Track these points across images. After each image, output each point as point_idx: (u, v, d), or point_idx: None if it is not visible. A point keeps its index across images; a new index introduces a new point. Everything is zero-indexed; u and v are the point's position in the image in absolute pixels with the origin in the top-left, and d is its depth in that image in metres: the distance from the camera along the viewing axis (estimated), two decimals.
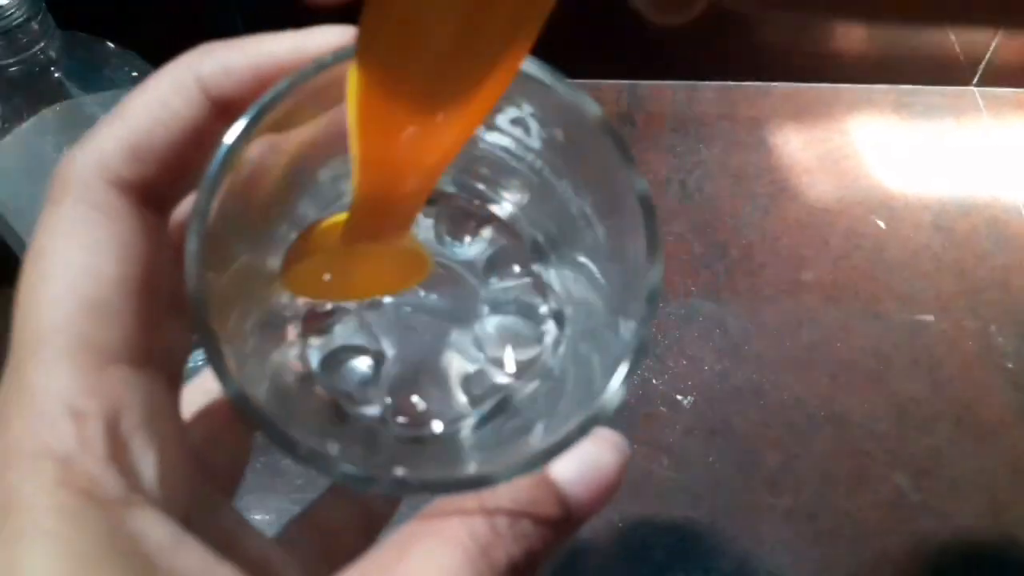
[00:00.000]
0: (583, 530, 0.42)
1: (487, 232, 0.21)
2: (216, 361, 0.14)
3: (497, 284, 0.21)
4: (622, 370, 0.15)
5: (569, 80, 0.17)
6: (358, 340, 0.20)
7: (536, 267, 0.21)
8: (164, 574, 0.13)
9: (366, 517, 0.20)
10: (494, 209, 0.21)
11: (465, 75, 0.14)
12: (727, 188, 0.54)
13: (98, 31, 0.38)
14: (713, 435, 0.43)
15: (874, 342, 0.46)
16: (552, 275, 0.21)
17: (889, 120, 0.57)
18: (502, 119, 0.18)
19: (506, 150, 0.19)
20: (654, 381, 0.45)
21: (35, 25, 0.34)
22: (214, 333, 0.14)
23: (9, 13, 0.33)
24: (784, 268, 0.49)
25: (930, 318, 0.47)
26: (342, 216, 0.18)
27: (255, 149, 0.15)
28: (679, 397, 0.44)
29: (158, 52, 0.40)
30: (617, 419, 0.14)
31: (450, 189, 0.21)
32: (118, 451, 0.13)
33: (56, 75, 0.35)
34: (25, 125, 0.35)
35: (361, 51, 0.14)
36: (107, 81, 0.37)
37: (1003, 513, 0.40)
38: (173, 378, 0.16)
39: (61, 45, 0.35)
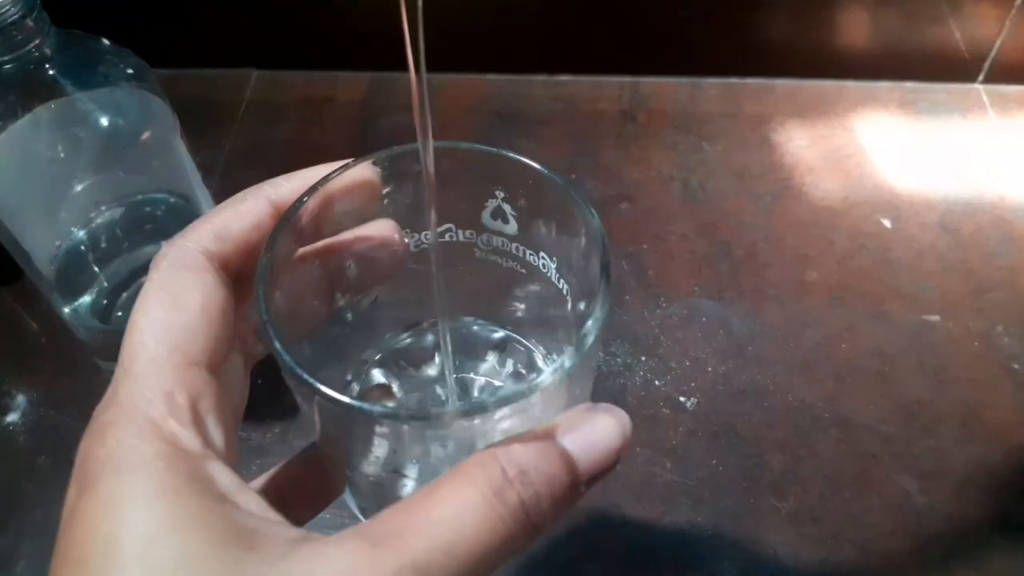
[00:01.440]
0: (584, 532, 0.41)
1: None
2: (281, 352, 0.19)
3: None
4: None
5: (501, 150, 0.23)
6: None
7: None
8: (231, 505, 0.17)
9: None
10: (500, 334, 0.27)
11: None
12: (730, 186, 0.53)
13: (93, 28, 0.37)
14: (716, 437, 0.42)
15: (879, 343, 0.46)
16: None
17: (894, 118, 0.57)
18: (486, 216, 0.24)
19: (496, 251, 0.25)
20: (656, 382, 0.44)
21: (30, 22, 0.33)
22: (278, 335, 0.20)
23: (4, 10, 0.32)
24: (788, 268, 0.49)
25: (936, 319, 0.47)
26: None
27: (298, 241, 0.23)
28: (682, 399, 0.44)
29: (153, 49, 0.40)
30: None
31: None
32: (197, 421, 0.18)
33: (51, 72, 0.35)
34: (20, 123, 0.35)
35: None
36: (102, 78, 0.36)
37: (1009, 515, 0.40)
38: (235, 397, 0.22)
39: (56, 42, 0.35)
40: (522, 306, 0.27)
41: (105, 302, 0.42)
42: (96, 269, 0.41)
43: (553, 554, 0.38)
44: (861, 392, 0.44)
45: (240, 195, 0.23)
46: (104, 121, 0.37)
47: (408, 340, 0.28)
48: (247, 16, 0.59)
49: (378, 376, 0.28)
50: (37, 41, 0.34)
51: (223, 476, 0.18)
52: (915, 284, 0.48)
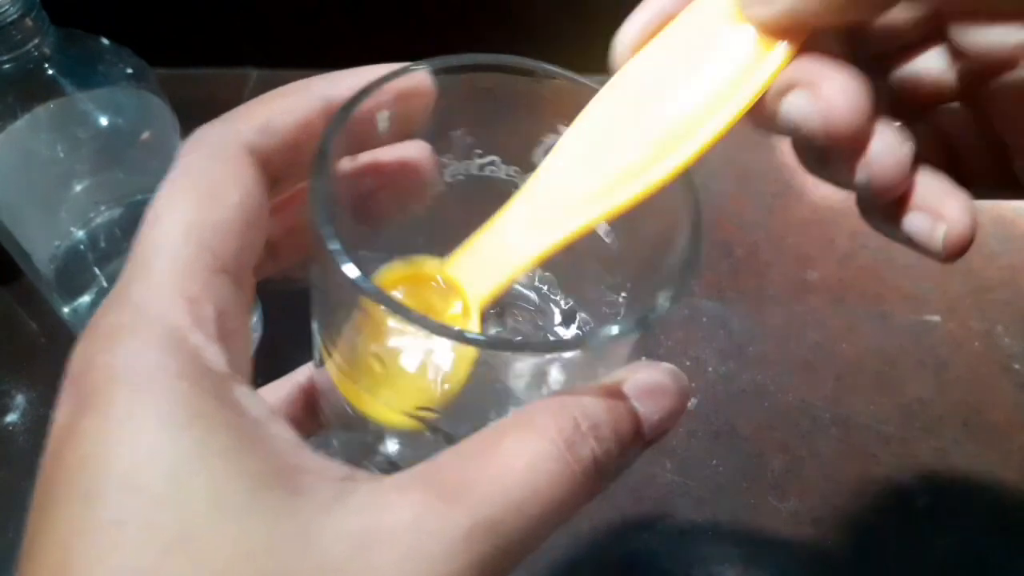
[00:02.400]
0: (585, 533, 0.41)
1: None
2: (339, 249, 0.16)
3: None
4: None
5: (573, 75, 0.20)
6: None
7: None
8: (267, 435, 0.15)
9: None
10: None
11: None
12: (732, 187, 0.53)
13: (93, 28, 0.37)
14: (717, 438, 0.42)
15: (880, 343, 0.46)
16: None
17: None
18: (538, 153, 0.21)
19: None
20: None
21: (29, 22, 0.33)
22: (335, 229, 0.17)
23: (3, 9, 0.32)
24: (789, 268, 0.49)
25: (937, 319, 0.47)
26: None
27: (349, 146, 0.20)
28: None
29: (153, 49, 0.40)
30: None
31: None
32: (224, 338, 0.16)
33: (50, 72, 0.35)
34: (19, 123, 0.35)
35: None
36: (101, 78, 0.36)
37: (1010, 515, 0.40)
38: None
39: (55, 42, 0.35)
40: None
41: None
42: (96, 269, 0.41)
43: (553, 554, 0.38)
44: (861, 392, 0.44)
45: (284, 88, 0.20)
46: (103, 121, 0.37)
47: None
48: (247, 16, 0.59)
49: None
50: (36, 40, 0.34)
51: (253, 402, 0.15)
52: (916, 284, 0.48)
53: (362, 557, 0.14)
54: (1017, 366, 0.45)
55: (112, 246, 0.41)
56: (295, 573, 0.13)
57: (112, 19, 0.41)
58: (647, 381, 0.17)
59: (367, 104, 0.19)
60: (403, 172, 0.21)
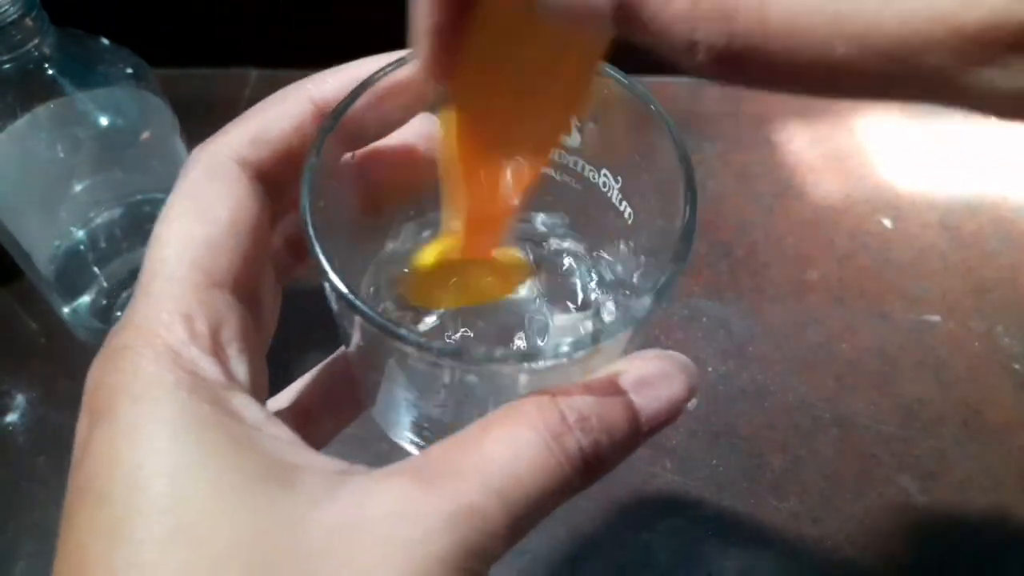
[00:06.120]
0: (586, 533, 0.41)
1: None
2: (325, 258, 0.17)
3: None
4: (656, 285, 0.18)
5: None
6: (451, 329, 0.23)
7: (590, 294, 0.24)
8: (263, 436, 0.16)
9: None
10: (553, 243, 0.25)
11: (536, 104, 0.19)
12: (731, 186, 0.53)
13: (93, 28, 0.37)
14: (717, 437, 0.42)
15: (880, 343, 0.46)
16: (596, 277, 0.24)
17: (894, 118, 0.57)
18: None
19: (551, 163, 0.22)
20: None
21: (29, 22, 0.33)
22: (321, 242, 0.18)
23: (3, 9, 0.32)
24: (789, 268, 0.49)
25: (936, 318, 0.47)
26: (443, 246, 0.21)
27: (347, 137, 0.20)
28: None
29: (153, 49, 0.40)
30: None
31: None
32: (218, 351, 0.17)
33: (50, 72, 0.35)
34: (19, 122, 0.35)
35: (458, 96, 0.18)
36: (101, 78, 0.36)
37: (1010, 515, 0.40)
38: (265, 324, 0.20)
39: (55, 42, 0.35)
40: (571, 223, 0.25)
41: (105, 302, 0.42)
42: (96, 269, 0.41)
43: (553, 554, 0.38)
44: (861, 392, 0.44)
45: (279, 94, 0.20)
46: (103, 121, 0.37)
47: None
48: (247, 16, 0.59)
49: None
50: (36, 41, 0.34)
51: (249, 408, 0.16)
52: (916, 284, 0.48)
53: (344, 545, 0.14)
54: (1017, 366, 0.45)
55: (112, 246, 0.41)
56: (283, 561, 0.14)
57: (112, 19, 0.41)
58: (644, 371, 0.18)
59: (360, 104, 0.20)
60: (406, 157, 0.22)
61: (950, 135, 0.55)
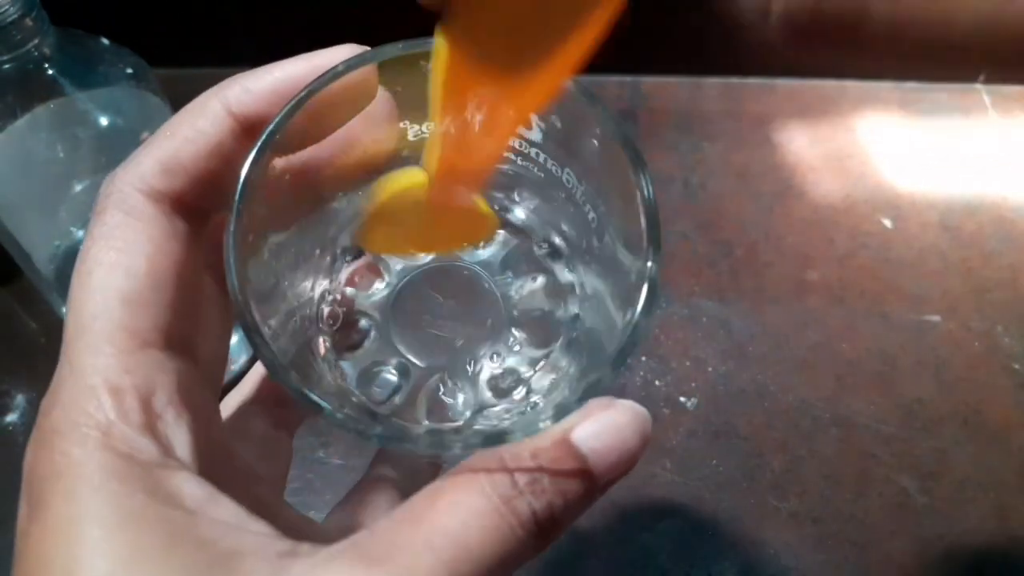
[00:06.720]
0: (585, 533, 0.41)
1: (500, 235, 0.23)
2: (254, 335, 0.16)
3: (513, 284, 0.23)
4: (619, 352, 0.17)
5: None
6: (388, 355, 0.22)
7: (550, 265, 0.23)
8: (202, 523, 0.15)
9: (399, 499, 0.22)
10: (507, 216, 0.23)
11: (537, 47, 0.17)
12: (731, 186, 0.53)
13: (93, 28, 0.37)
14: (717, 437, 0.42)
15: (880, 343, 0.46)
16: (566, 274, 0.23)
17: (895, 117, 0.57)
18: None
19: (511, 148, 0.21)
20: (656, 383, 0.44)
21: (29, 22, 0.33)
22: (252, 314, 0.16)
23: (3, 9, 0.32)
24: (789, 267, 0.49)
25: (936, 318, 0.47)
26: (409, 179, 0.20)
27: (280, 163, 0.18)
28: (682, 399, 0.44)
29: (153, 49, 0.40)
30: None
31: None
32: (152, 422, 0.16)
33: (50, 72, 0.35)
34: (19, 123, 0.35)
35: (450, 23, 0.17)
36: (101, 78, 0.36)
37: (1010, 515, 0.40)
38: (210, 364, 0.18)
39: (55, 42, 0.35)
40: (531, 205, 0.23)
41: None
42: None
43: (553, 554, 0.38)
44: (861, 392, 0.44)
45: (192, 107, 0.18)
46: (103, 121, 0.37)
47: None
48: (247, 16, 0.59)
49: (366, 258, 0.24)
50: (36, 41, 0.34)
51: (189, 487, 0.15)
52: (916, 284, 0.48)
53: None
54: (1017, 366, 0.45)
55: None
56: None
57: (112, 19, 0.41)
58: (596, 426, 0.17)
59: (295, 124, 0.18)
60: (349, 146, 0.20)
61: (950, 134, 0.55)
